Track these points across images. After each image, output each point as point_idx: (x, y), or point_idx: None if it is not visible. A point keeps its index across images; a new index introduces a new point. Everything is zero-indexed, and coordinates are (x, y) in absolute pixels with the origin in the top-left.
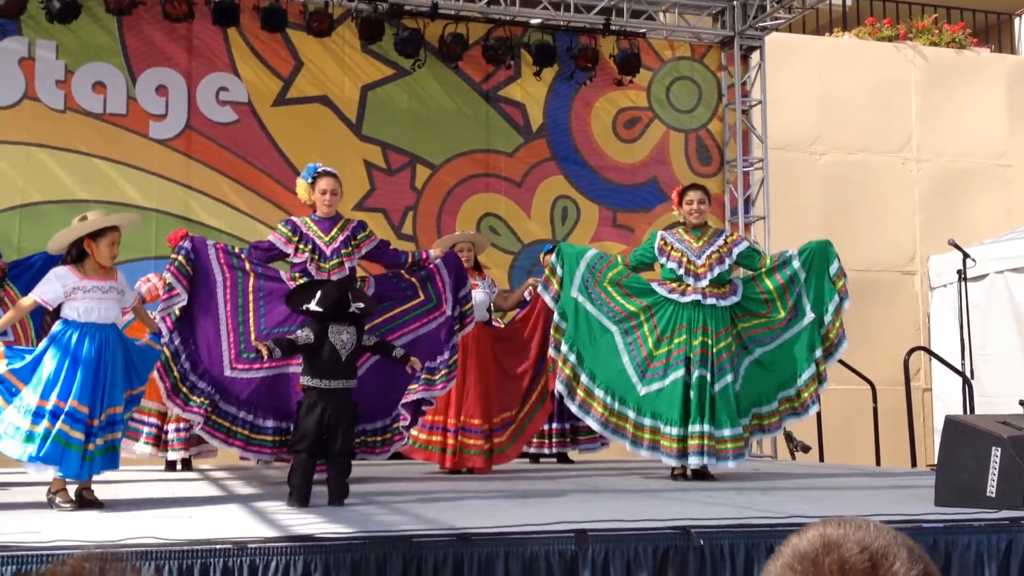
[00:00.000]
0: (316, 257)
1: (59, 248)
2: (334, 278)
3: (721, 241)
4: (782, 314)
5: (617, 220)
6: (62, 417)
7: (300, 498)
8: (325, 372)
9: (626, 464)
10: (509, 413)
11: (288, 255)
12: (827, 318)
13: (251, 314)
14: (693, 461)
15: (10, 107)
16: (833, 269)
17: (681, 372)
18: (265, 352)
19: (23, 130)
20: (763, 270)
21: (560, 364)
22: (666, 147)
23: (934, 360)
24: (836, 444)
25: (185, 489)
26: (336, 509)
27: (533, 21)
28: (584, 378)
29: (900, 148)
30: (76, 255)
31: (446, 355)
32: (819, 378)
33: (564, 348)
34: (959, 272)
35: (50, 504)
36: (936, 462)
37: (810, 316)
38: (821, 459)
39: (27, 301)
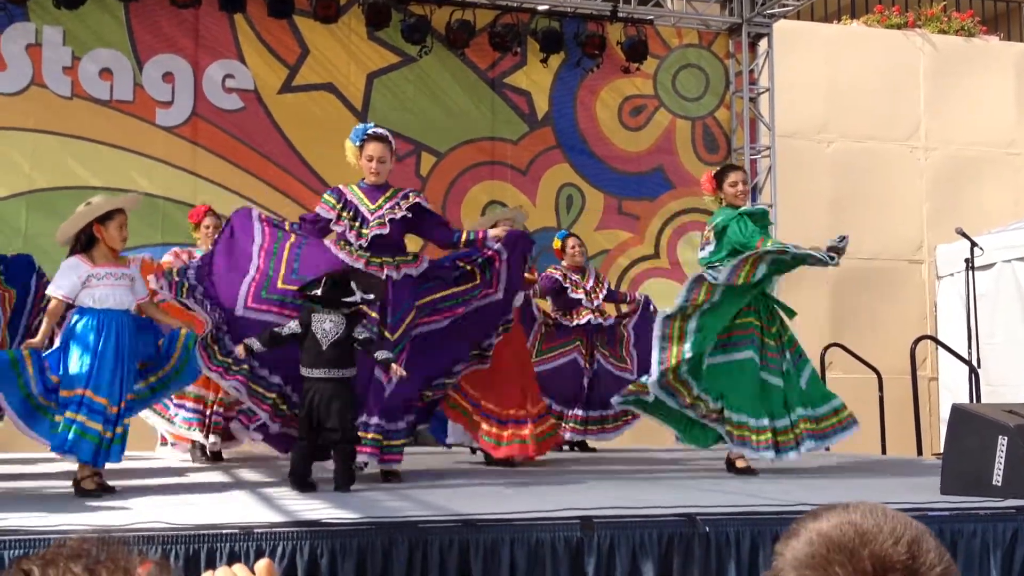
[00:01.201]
0: (357, 224)
1: (67, 237)
2: (372, 235)
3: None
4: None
5: (623, 208)
6: (82, 408)
7: (295, 483)
8: (308, 361)
9: (633, 452)
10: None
11: (330, 221)
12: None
13: (283, 262)
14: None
15: (17, 93)
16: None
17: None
18: (242, 351)
19: (30, 116)
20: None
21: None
22: (672, 135)
23: (941, 349)
24: None
25: (193, 476)
26: (342, 495)
27: (540, 8)
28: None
29: (908, 136)
30: (85, 242)
31: (491, 338)
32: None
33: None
34: (967, 261)
35: (77, 490)
36: (942, 451)
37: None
38: (826, 447)
39: (54, 303)
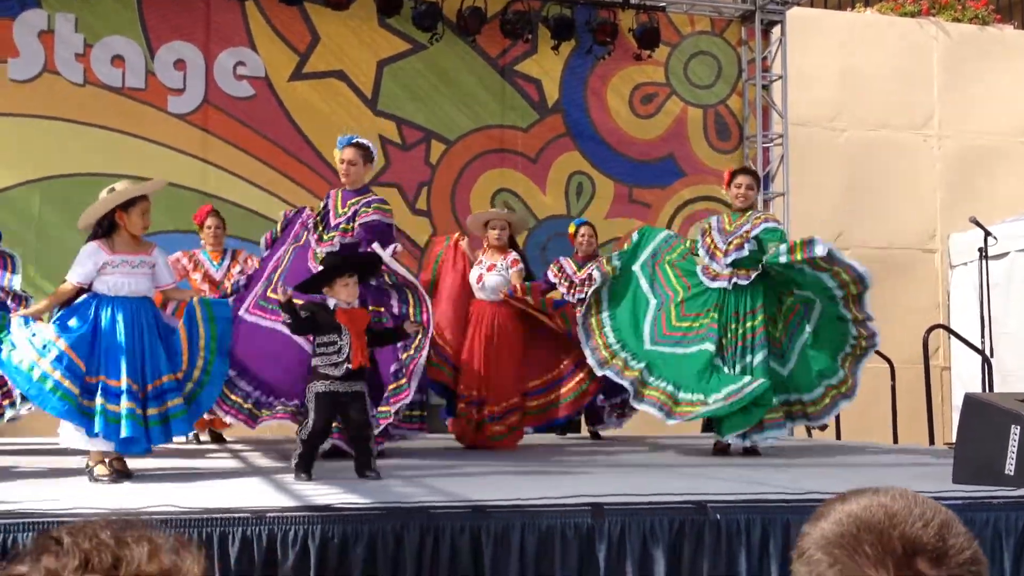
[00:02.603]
0: (322, 228)
1: (89, 223)
2: (322, 250)
3: (748, 225)
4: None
5: (633, 196)
6: (99, 392)
7: (304, 467)
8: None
9: (643, 439)
10: (549, 375)
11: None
12: (837, 293)
13: (278, 272)
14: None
15: (30, 80)
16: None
17: (705, 346)
18: (284, 295)
19: (43, 104)
20: (771, 254)
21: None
22: (684, 123)
23: (953, 338)
24: (853, 422)
25: (205, 461)
26: (354, 481)
27: None
28: (603, 318)
29: (922, 125)
30: (107, 228)
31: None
32: (856, 353)
33: (604, 315)
34: (980, 250)
35: (89, 476)
36: (954, 440)
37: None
38: (838, 437)
39: (67, 286)
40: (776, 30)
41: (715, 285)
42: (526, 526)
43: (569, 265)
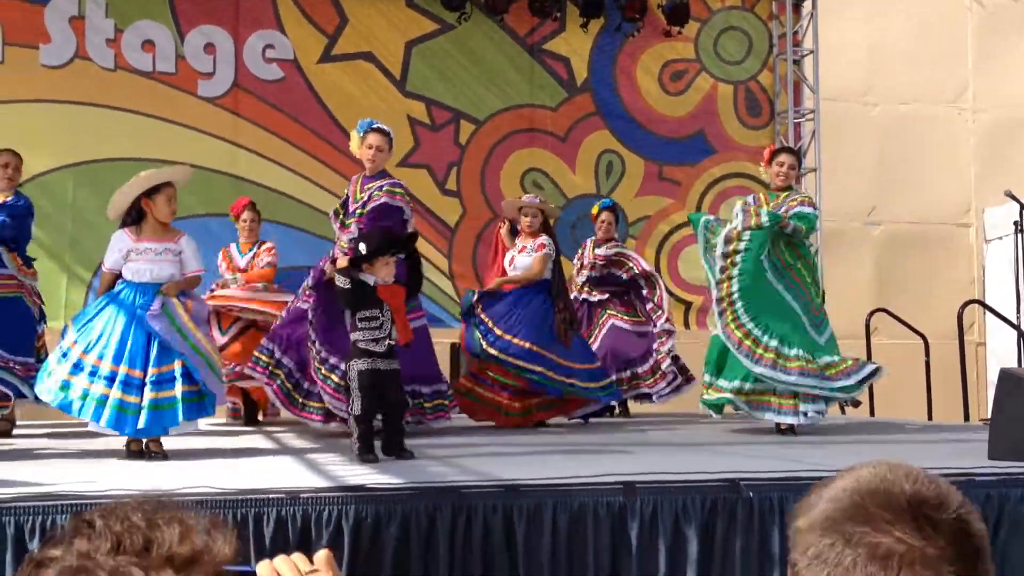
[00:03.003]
0: (342, 213)
1: (118, 212)
2: (346, 237)
3: (785, 207)
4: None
5: (663, 174)
6: (103, 380)
7: (367, 452)
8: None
9: (674, 418)
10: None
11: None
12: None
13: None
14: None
15: (62, 66)
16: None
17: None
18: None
19: (74, 89)
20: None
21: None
22: (714, 100)
23: (988, 313)
24: (887, 398)
25: (239, 441)
26: (387, 461)
27: None
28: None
29: (956, 98)
30: (136, 215)
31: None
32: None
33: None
34: (1015, 224)
35: (128, 452)
36: (989, 416)
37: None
38: (872, 413)
39: (105, 273)
40: (807, 3)
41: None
42: (558, 505)
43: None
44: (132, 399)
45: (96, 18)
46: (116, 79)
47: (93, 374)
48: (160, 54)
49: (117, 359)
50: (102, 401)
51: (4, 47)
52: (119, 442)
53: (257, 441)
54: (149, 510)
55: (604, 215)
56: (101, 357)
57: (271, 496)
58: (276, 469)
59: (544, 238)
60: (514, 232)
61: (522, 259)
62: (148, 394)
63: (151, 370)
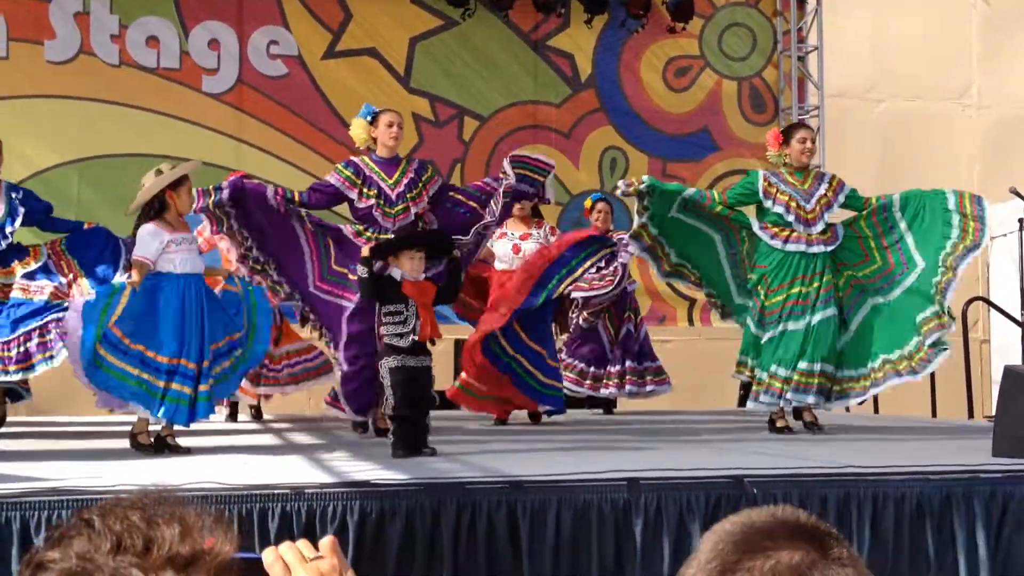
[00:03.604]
0: (382, 202)
1: (139, 205)
2: (398, 225)
3: (826, 185)
4: (880, 262)
5: (667, 171)
6: (159, 371)
7: (409, 451)
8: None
9: (677, 415)
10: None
11: (352, 199)
12: (939, 268)
13: (327, 247)
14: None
15: (67, 62)
16: (952, 217)
17: (802, 323)
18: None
19: (79, 85)
20: (864, 213)
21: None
22: (718, 96)
23: (992, 311)
24: (891, 396)
25: (245, 438)
26: (392, 458)
27: None
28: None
29: (960, 95)
30: (158, 208)
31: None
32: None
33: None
34: (1020, 221)
35: (133, 444)
36: (994, 413)
37: (921, 265)
38: (876, 411)
39: (145, 264)
40: (811, 0)
41: (791, 248)
42: (563, 501)
43: None
44: (188, 390)
45: (100, 14)
46: (120, 75)
47: (156, 368)
48: (164, 50)
49: (175, 351)
50: (161, 393)
51: (8, 43)
52: (122, 438)
53: (262, 437)
54: (149, 507)
55: (601, 205)
56: (159, 350)
57: (276, 492)
58: (281, 464)
59: (546, 226)
60: None
61: (532, 246)
62: (202, 386)
63: (205, 362)
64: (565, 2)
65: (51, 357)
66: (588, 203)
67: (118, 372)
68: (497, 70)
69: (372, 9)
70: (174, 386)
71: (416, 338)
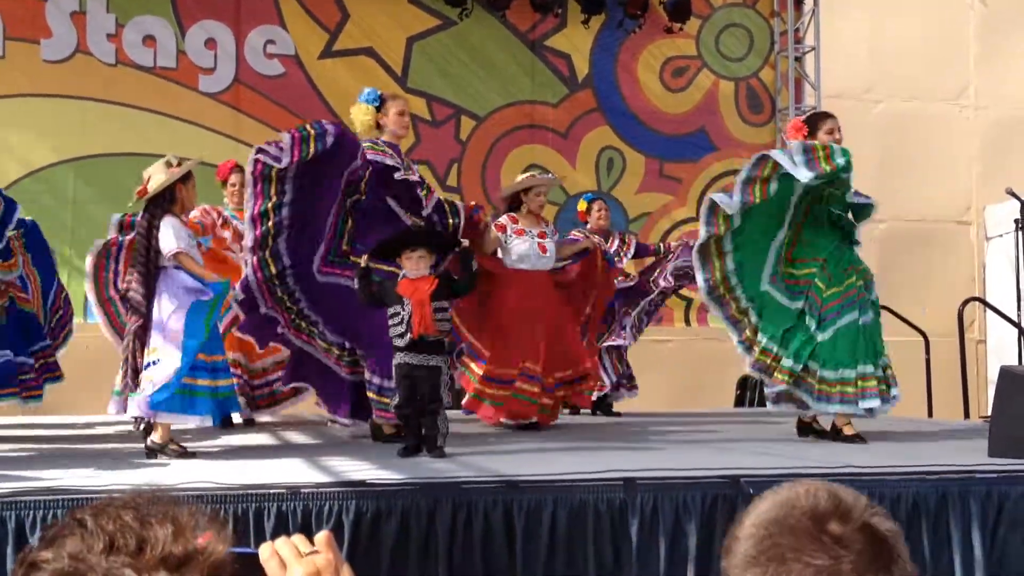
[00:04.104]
0: (425, 187)
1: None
2: (429, 205)
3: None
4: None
5: (664, 171)
6: (192, 368)
7: (412, 452)
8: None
9: (674, 415)
10: (564, 374)
11: (399, 170)
12: None
13: (347, 224)
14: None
15: (63, 61)
16: None
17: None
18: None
19: (75, 84)
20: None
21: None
22: (715, 96)
23: (988, 311)
24: None
25: (241, 438)
26: (388, 457)
27: None
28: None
29: (957, 96)
30: (170, 201)
31: None
32: None
33: (764, 339)
34: (1016, 221)
35: (154, 453)
36: (990, 413)
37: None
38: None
39: (188, 258)
40: (808, 0)
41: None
42: (559, 501)
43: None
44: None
45: (97, 13)
46: (117, 74)
47: (206, 369)
48: (161, 49)
49: (211, 348)
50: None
51: (5, 42)
52: (120, 438)
53: (258, 437)
54: (142, 507)
55: (599, 203)
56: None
57: (272, 491)
58: (277, 464)
59: (550, 225)
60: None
61: (552, 244)
62: (223, 380)
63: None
64: (562, 2)
65: (58, 377)
66: (583, 205)
67: (203, 391)
68: (494, 70)
69: (369, 9)
70: (221, 383)
71: (411, 336)
